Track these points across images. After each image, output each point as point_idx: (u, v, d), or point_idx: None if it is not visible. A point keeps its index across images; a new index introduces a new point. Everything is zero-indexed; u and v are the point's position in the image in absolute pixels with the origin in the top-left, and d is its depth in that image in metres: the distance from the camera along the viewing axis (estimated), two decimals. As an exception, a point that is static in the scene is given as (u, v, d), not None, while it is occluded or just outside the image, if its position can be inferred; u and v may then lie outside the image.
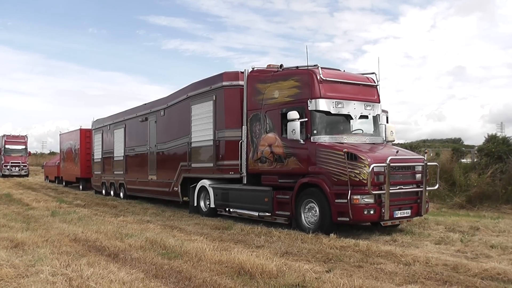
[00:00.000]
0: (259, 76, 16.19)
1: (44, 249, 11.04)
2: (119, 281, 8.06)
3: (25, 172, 55.64)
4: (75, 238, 12.94)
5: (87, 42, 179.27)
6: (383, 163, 12.85)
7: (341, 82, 14.54)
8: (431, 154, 25.94)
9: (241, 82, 16.86)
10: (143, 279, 8.40)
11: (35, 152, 75.19)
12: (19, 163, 55.52)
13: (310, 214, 13.98)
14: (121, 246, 11.61)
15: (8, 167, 54.82)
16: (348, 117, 14.53)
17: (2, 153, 55.52)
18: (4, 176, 53.70)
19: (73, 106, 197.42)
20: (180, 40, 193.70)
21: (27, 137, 58.20)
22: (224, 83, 17.34)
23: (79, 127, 36.78)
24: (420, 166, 13.88)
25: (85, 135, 35.50)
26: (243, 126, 16.42)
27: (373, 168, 12.61)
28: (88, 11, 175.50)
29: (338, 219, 13.06)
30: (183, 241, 12.02)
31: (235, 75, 17.16)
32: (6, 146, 55.84)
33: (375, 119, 15.16)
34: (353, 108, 14.49)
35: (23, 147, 57.02)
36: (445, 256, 10.56)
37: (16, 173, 54.55)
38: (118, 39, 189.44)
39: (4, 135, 57.02)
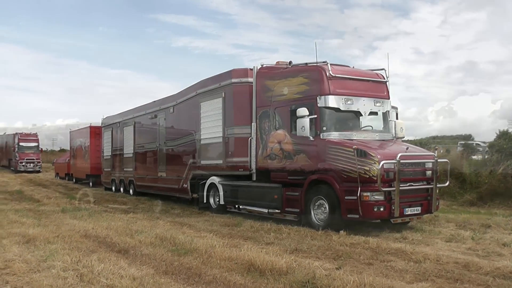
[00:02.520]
0: (268, 73, 16.16)
1: (56, 244, 11.11)
2: (130, 277, 8.08)
3: (39, 168, 57.43)
4: (85, 234, 12.99)
5: (97, 41, 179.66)
6: (393, 159, 12.81)
7: (350, 79, 14.48)
8: (441, 151, 25.83)
9: (250, 79, 16.81)
10: (153, 275, 8.42)
11: (45, 149, 76.29)
12: (34, 159, 57.29)
13: (319, 211, 13.96)
14: (131, 242, 11.64)
15: (24, 163, 56.58)
16: (357, 114, 14.47)
17: (16, 150, 57.09)
18: (18, 172, 54.93)
19: (83, 104, 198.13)
20: (190, 38, 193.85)
21: (37, 134, 59.74)
22: (233, 80, 17.30)
23: (89, 125, 36.92)
24: (431, 163, 13.82)
25: (95, 132, 35.62)
26: (252, 123, 16.41)
27: (383, 164, 12.56)
28: (98, 10, 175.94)
29: (348, 216, 13.03)
30: (192, 238, 12.03)
31: (244, 72, 17.12)
32: (20, 144, 57.62)
33: (385, 115, 15.10)
34: (363, 104, 14.43)
35: (36, 144, 58.74)
36: (456, 254, 10.51)
37: (31, 169, 56.25)
38: (128, 37, 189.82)
39: (17, 133, 58.63)
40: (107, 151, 31.35)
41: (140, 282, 7.84)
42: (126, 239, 12.04)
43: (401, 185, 12.92)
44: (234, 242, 11.59)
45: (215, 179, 18.55)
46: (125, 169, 28.26)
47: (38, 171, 56.79)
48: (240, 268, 8.90)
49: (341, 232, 12.80)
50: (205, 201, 19.14)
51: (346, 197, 13.00)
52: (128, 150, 27.63)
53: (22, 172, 54.91)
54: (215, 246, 10.80)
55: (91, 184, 36.53)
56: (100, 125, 33.58)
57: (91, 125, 36.59)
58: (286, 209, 15.09)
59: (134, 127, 26.98)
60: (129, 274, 8.26)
